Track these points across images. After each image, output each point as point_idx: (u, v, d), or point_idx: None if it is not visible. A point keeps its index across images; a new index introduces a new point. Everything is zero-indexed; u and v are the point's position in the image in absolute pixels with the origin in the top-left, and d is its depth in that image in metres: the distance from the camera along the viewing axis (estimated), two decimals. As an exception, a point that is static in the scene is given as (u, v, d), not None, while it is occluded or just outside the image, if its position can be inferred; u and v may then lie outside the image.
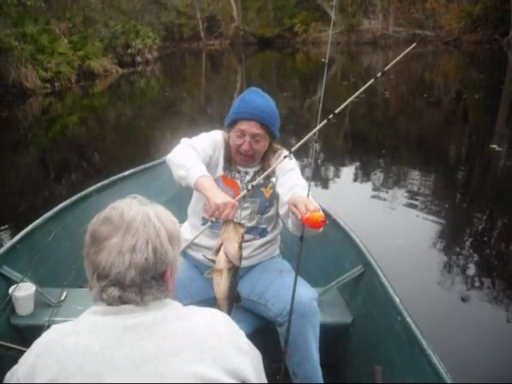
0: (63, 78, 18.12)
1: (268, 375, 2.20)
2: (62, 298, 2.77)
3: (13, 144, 10.69)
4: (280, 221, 2.63)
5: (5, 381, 1.26)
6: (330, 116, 2.36)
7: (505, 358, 3.31)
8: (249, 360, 1.30)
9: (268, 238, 2.60)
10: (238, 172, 2.53)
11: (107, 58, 22.70)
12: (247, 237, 2.44)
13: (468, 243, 5.22)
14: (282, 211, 2.45)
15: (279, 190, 2.47)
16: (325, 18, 37.94)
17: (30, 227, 3.10)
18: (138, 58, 27.19)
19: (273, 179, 2.51)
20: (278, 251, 2.75)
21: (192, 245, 2.55)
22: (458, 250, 4.98)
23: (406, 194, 6.53)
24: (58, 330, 1.27)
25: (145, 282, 1.23)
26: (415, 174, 7.53)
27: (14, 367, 1.25)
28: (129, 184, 3.88)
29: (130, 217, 1.24)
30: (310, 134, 2.39)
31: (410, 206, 6.10)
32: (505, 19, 29.67)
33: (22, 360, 1.24)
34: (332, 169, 8.48)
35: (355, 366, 2.53)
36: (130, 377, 1.16)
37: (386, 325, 2.48)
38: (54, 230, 2.96)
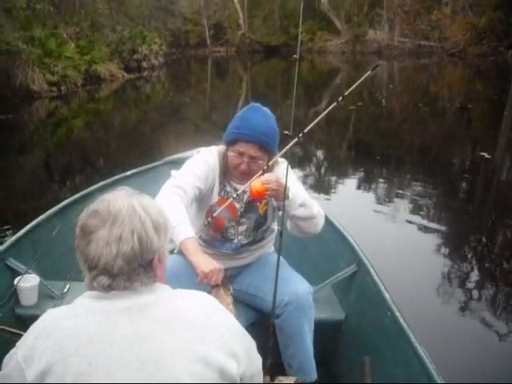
0: (69, 81, 18.20)
1: (264, 368, 2.28)
2: (65, 290, 2.86)
3: (18, 146, 10.78)
4: (275, 223, 2.72)
5: (3, 365, 1.29)
6: (300, 135, 2.42)
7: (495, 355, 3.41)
8: (238, 339, 1.36)
9: (263, 242, 2.71)
10: (236, 190, 2.49)
11: (113, 63, 22.81)
12: (249, 250, 2.61)
13: (468, 251, 5.31)
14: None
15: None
16: (331, 27, 38.17)
17: (34, 222, 3.20)
18: (144, 64, 27.27)
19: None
20: (272, 248, 2.84)
21: None
22: (457, 257, 5.07)
23: (405, 201, 6.63)
24: (55, 314, 1.32)
25: (132, 270, 1.28)
26: (415, 182, 7.60)
27: (12, 350, 1.28)
28: (130, 184, 3.92)
29: (116, 208, 1.28)
30: (286, 148, 2.43)
31: (409, 211, 6.20)
32: (510, 32, 29.73)
33: (20, 343, 1.27)
34: (327, 175, 8.60)
35: (347, 360, 2.61)
36: (125, 355, 1.21)
37: (376, 320, 2.57)
38: (58, 225, 3.05)
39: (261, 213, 2.57)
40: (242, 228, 2.58)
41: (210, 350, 1.27)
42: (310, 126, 2.43)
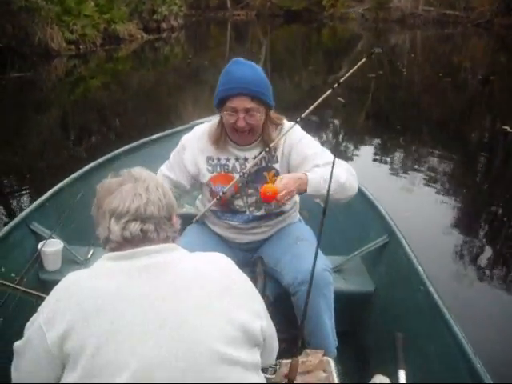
0: (88, 40, 18.05)
1: (286, 340, 2.25)
2: (89, 255, 2.83)
3: (36, 104, 10.76)
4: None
5: (25, 329, 1.32)
6: (298, 119, 2.38)
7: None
8: (257, 297, 1.42)
9: (283, 216, 2.56)
10: (236, 160, 2.38)
11: (133, 23, 22.51)
12: (263, 223, 2.50)
13: (487, 226, 5.22)
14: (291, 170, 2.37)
15: (283, 168, 2.38)
16: (353, -7, 37.37)
17: (57, 186, 3.15)
18: (164, 25, 26.95)
19: (276, 165, 2.38)
20: (298, 217, 2.70)
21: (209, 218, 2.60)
22: (479, 232, 4.99)
23: (422, 174, 6.54)
24: (75, 276, 1.34)
25: (160, 218, 1.34)
26: (434, 154, 7.49)
27: (34, 316, 1.31)
28: (156, 148, 3.90)
29: (136, 172, 1.38)
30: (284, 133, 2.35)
31: (428, 183, 6.11)
32: (539, 3, 28.94)
33: (42, 307, 1.29)
34: (349, 143, 8.47)
35: (376, 333, 2.57)
36: (147, 313, 1.21)
37: (408, 294, 2.51)
38: (82, 189, 3.00)
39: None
40: (251, 199, 2.43)
41: (230, 308, 1.29)
42: (306, 112, 2.40)
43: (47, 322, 1.23)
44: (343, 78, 2.37)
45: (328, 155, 2.30)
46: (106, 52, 18.68)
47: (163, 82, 14.47)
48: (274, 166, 2.38)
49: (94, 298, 1.23)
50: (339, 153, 7.58)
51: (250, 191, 2.41)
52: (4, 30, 14.05)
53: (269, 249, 2.56)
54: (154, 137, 4.10)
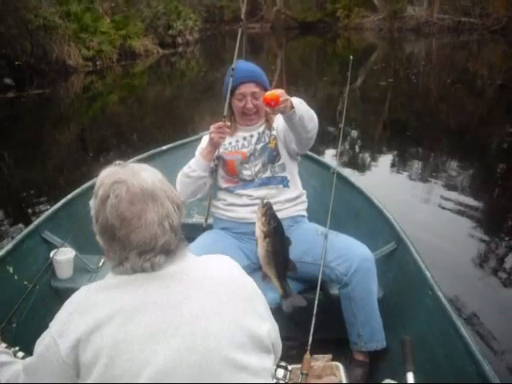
0: (105, 56, 18.37)
1: (293, 346, 2.25)
2: (100, 264, 2.88)
3: (55, 120, 10.94)
4: (299, 181, 2.82)
5: (36, 344, 1.31)
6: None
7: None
8: (262, 300, 1.43)
9: (292, 189, 2.74)
10: (244, 139, 2.77)
11: (148, 38, 22.81)
12: (272, 187, 2.69)
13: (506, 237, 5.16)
14: (285, 135, 2.69)
15: (280, 130, 2.72)
16: (368, 3, 37.30)
17: (70, 196, 3.22)
18: (179, 39, 27.23)
19: (274, 132, 2.74)
20: (306, 214, 2.85)
21: (223, 210, 2.76)
22: (495, 237, 4.92)
23: (440, 181, 6.49)
24: (87, 289, 1.33)
25: (178, 240, 1.34)
26: (450, 161, 7.49)
27: (44, 333, 1.30)
28: (166, 159, 3.95)
29: (149, 185, 1.29)
30: None
31: (445, 190, 6.05)
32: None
33: (54, 321, 1.29)
34: (360, 150, 8.49)
35: (385, 337, 2.56)
36: (160, 322, 1.22)
37: (416, 299, 2.53)
38: None
39: (271, 146, 2.73)
40: (257, 167, 2.72)
41: (239, 313, 1.30)
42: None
43: (60, 335, 1.24)
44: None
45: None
46: (123, 67, 18.94)
47: (179, 95, 14.60)
48: (273, 133, 2.75)
49: (107, 309, 1.23)
50: (355, 161, 7.59)
51: (256, 162, 2.72)
52: (23, 48, 14.32)
53: (301, 246, 2.57)
54: (164, 148, 4.17)
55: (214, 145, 2.62)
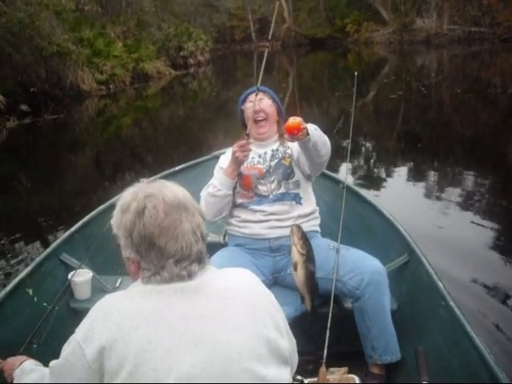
0: (118, 80, 18.63)
1: (308, 360, 2.26)
2: (117, 284, 2.91)
3: (70, 144, 11.08)
4: (313, 198, 2.87)
5: (62, 350, 1.34)
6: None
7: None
8: (279, 313, 1.45)
9: (305, 206, 2.79)
10: (259, 156, 2.83)
11: (160, 61, 23.08)
12: (285, 203, 2.74)
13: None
14: (299, 157, 2.75)
15: (294, 151, 2.78)
16: (377, 17, 37.50)
17: (86, 218, 3.28)
18: (191, 60, 27.52)
19: (288, 151, 2.81)
20: (319, 229, 2.89)
21: (238, 227, 2.82)
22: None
23: (454, 193, 6.44)
24: (112, 297, 1.37)
25: (205, 240, 1.40)
26: (464, 172, 7.37)
27: (70, 337, 1.33)
28: (179, 178, 3.99)
29: (180, 197, 1.36)
30: None
31: (460, 202, 6.02)
32: None
33: (79, 328, 1.32)
34: (373, 163, 8.49)
35: (400, 350, 2.56)
36: (183, 333, 1.26)
37: (430, 310, 2.54)
38: (109, 221, 3.10)
39: (286, 164, 2.79)
40: (273, 185, 2.77)
41: (259, 325, 1.33)
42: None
43: (85, 340, 1.27)
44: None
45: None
46: (136, 90, 19.15)
47: (192, 116, 14.71)
48: (287, 152, 2.82)
49: (132, 318, 1.26)
50: (368, 174, 7.59)
51: (271, 178, 2.78)
52: (38, 75, 14.56)
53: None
54: (177, 168, 4.22)
55: (239, 163, 2.66)
